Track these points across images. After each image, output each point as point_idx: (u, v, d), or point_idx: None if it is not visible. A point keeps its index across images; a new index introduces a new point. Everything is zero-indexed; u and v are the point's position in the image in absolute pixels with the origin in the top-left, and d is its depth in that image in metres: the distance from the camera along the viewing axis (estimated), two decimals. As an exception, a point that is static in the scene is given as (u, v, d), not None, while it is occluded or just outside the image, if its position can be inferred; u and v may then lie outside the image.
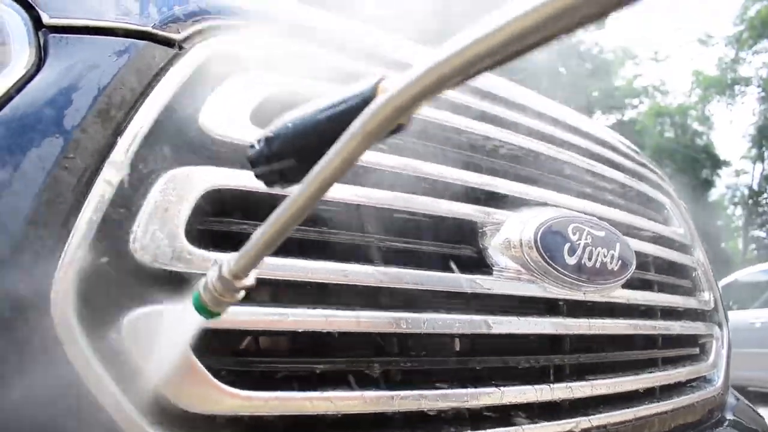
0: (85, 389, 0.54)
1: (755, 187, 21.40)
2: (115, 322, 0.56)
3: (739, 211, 23.19)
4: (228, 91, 0.66)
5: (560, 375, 0.88)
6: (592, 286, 0.89)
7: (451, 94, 0.88)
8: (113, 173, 0.58)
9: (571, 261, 0.84)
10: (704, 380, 1.24)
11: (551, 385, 0.83)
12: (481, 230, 0.81)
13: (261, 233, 0.46)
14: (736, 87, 21.35)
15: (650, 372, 1.05)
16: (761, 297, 6.70)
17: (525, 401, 0.79)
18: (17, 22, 0.68)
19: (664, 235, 1.19)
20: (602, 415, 0.89)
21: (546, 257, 0.81)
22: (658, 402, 1.03)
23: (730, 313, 1.52)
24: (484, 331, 0.76)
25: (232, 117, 0.65)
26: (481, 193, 0.83)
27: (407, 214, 0.76)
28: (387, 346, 0.70)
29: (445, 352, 0.76)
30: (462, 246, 0.81)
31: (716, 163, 21.80)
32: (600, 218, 0.95)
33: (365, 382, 0.68)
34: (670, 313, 1.16)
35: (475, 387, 0.74)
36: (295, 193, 0.43)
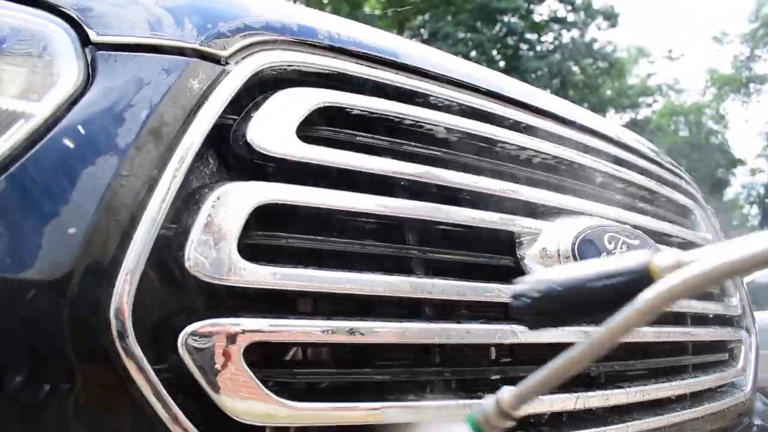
0: (142, 400, 0.56)
1: (771, 185, 21.18)
2: (171, 337, 0.57)
3: (754, 210, 22.98)
4: (274, 106, 0.67)
5: (596, 383, 0.88)
6: (626, 295, 0.89)
7: (479, 102, 0.89)
8: (166, 190, 0.59)
9: (607, 270, 0.84)
10: (733, 386, 1.24)
11: (588, 392, 0.84)
12: (518, 240, 0.82)
13: (542, 373, 0.49)
14: (752, 85, 21.16)
15: (682, 379, 1.06)
16: (780, 298, 6.62)
17: (563, 409, 0.80)
18: (64, 39, 0.68)
19: (693, 242, 1.19)
20: (636, 422, 0.90)
21: (582, 267, 0.81)
22: (690, 408, 1.03)
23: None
24: (521, 340, 0.77)
25: (279, 132, 0.66)
26: (517, 203, 0.84)
27: (445, 225, 0.77)
28: (430, 356, 0.71)
29: (485, 361, 0.77)
30: (499, 256, 0.81)
31: (731, 162, 21.62)
32: (633, 226, 0.95)
33: (408, 392, 0.69)
34: (700, 320, 1.16)
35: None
36: (578, 348, 0.47)
